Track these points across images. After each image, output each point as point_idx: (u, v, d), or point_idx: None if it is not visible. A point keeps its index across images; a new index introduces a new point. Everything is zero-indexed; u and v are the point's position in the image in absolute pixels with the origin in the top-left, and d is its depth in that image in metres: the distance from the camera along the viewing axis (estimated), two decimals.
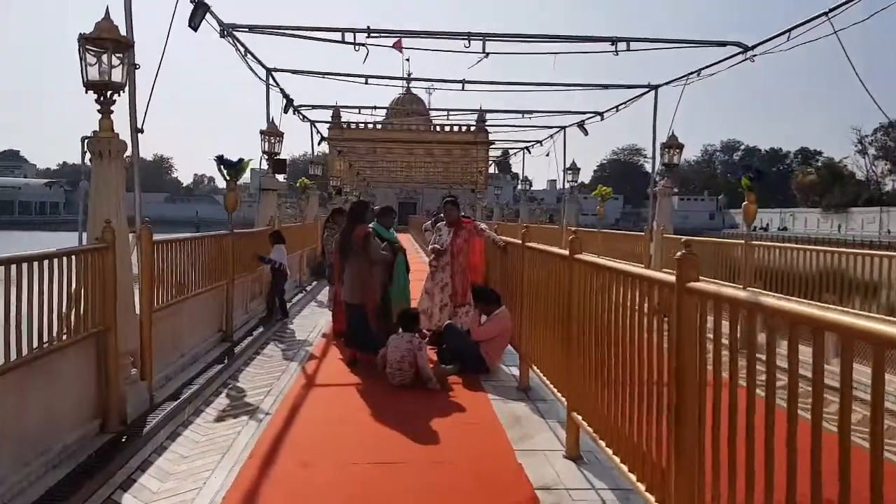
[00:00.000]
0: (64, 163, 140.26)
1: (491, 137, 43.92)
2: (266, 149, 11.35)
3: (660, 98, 13.38)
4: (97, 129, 5.31)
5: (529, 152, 28.18)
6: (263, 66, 11.80)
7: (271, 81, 11.89)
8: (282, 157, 11.69)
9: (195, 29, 7.78)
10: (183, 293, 6.94)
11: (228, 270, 8.43)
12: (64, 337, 4.59)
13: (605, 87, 14.92)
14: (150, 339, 5.82)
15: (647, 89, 13.81)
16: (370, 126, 59.38)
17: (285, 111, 13.48)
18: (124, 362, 5.38)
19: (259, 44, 14.84)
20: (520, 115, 17.83)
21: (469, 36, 10.05)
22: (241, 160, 8.27)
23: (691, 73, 11.82)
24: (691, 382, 2.84)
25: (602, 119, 16.79)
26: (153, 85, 6.38)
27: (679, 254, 2.89)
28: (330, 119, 21.09)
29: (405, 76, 15.33)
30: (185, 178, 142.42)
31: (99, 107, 5.32)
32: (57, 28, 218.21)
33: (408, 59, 56.14)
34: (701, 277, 2.89)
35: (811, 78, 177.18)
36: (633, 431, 3.44)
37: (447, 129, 60.35)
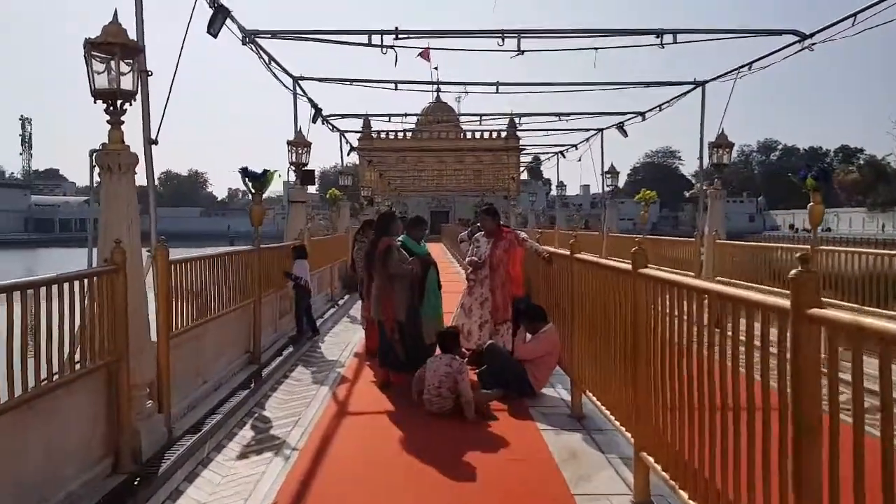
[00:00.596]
0: None
1: (524, 142, 43.31)
2: (294, 160, 10.93)
3: (700, 96, 12.54)
4: (106, 142, 4.90)
5: (564, 156, 27.54)
6: (289, 74, 11.40)
7: (298, 90, 11.49)
8: (310, 167, 11.27)
9: (214, 36, 7.36)
10: (205, 315, 6.49)
11: (255, 288, 7.98)
12: (68, 371, 4.15)
13: (648, 84, 14.22)
14: (167, 367, 5.36)
15: (693, 85, 13.05)
16: (400, 135, 59.28)
17: (314, 121, 13.08)
18: (138, 394, 4.92)
19: (285, 49, 14.40)
20: (555, 118, 17.16)
21: (503, 33, 9.46)
22: (265, 171, 7.84)
23: (743, 65, 11.02)
24: (811, 431, 2.24)
25: (644, 119, 16.08)
26: (168, 94, 5.97)
27: (794, 272, 2.29)
28: (360, 129, 20.66)
29: (435, 81, 14.85)
30: (220, 193, 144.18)
31: (108, 117, 4.92)
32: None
33: (436, 68, 55.87)
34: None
35: (847, 73, 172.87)
36: (727, 486, 2.83)
37: (478, 135, 59.90)
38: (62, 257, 54.17)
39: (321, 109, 13.21)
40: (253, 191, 7.84)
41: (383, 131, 57.44)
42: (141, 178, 5.18)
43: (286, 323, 10.16)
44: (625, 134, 16.16)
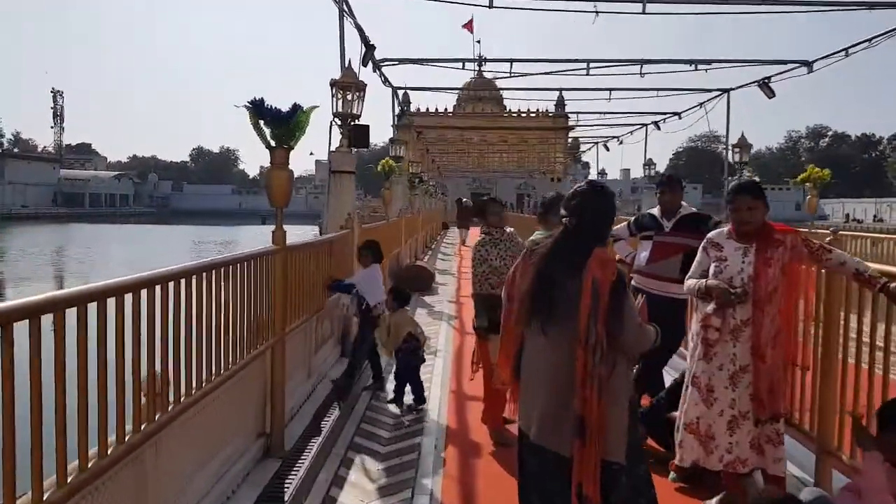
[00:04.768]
0: (134, 156, 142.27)
1: (570, 123, 40.60)
2: (340, 108, 7.30)
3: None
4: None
5: (608, 149, 28.44)
6: None
7: (345, 6, 7.85)
8: (364, 122, 7.63)
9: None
10: (173, 402, 2.94)
11: (274, 325, 4.40)
12: None
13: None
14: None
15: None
16: (441, 111, 55.58)
17: (364, 63, 9.44)
18: None
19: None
20: (605, 99, 15.15)
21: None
22: (296, 109, 4.24)
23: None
24: None
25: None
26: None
27: None
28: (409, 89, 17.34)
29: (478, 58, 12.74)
30: (252, 170, 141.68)
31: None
32: (132, 27, 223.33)
33: (479, 41, 52.09)
34: None
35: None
36: None
37: (523, 114, 55.95)
38: (98, 233, 52.04)
39: (374, 47, 9.56)
40: (273, 142, 4.26)
41: (418, 112, 53.62)
42: None
43: (326, 354, 6.61)
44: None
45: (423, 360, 5.87)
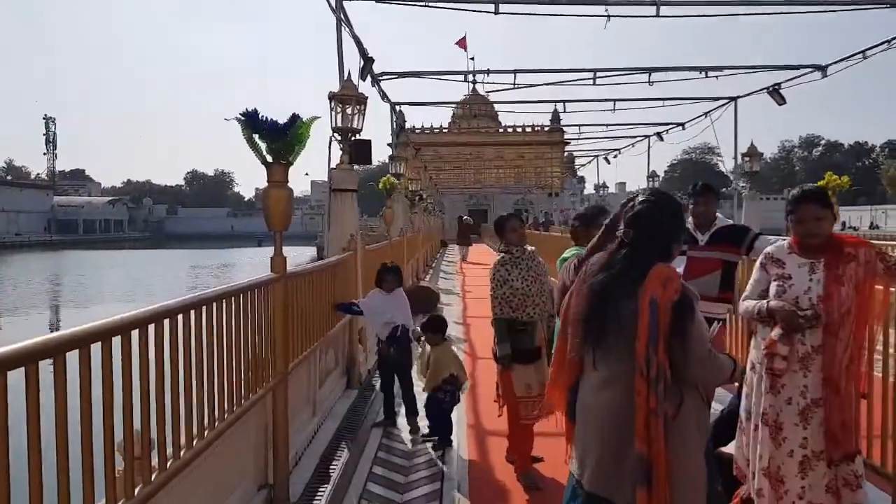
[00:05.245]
0: (128, 180, 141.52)
1: (567, 139, 40.70)
2: (340, 123, 6.86)
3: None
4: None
5: (608, 162, 27.96)
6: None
7: (342, 16, 7.44)
8: (364, 137, 7.19)
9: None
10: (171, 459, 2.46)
11: (275, 363, 3.91)
12: None
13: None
14: None
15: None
16: (436, 130, 55.51)
17: (362, 77, 9.03)
18: None
19: None
20: (609, 110, 14.73)
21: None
22: (295, 119, 3.79)
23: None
24: None
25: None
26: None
27: None
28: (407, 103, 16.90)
29: (482, 71, 12.27)
30: (248, 192, 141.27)
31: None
32: (124, 50, 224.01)
33: (472, 58, 51.99)
34: None
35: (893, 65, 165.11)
36: None
37: (518, 128, 55.83)
38: (92, 260, 51.22)
39: (372, 59, 9.15)
40: (270, 157, 3.81)
41: (414, 130, 53.50)
42: None
43: (330, 390, 6.11)
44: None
45: (459, 402, 5.35)
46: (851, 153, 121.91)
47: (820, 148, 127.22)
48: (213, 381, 2.99)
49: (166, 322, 2.50)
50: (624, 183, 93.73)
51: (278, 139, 3.81)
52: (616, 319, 2.32)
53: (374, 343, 5.87)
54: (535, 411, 4.36)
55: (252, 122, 3.80)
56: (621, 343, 2.29)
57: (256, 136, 3.84)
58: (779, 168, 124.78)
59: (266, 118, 3.82)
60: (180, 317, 2.66)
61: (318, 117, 3.98)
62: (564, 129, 37.85)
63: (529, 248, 4.72)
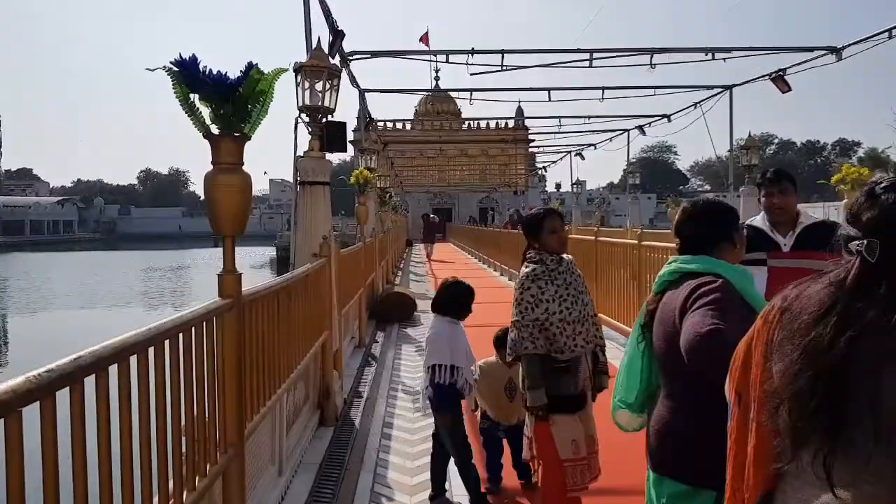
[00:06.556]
0: (78, 180, 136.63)
1: (531, 136, 40.03)
2: (308, 101, 5.58)
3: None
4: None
5: (583, 158, 27.16)
6: None
7: None
8: (337, 119, 5.91)
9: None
10: None
11: (226, 432, 2.66)
12: None
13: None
14: None
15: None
16: (399, 126, 54.28)
17: (331, 54, 7.77)
18: None
19: None
20: (598, 99, 13.78)
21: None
22: (250, 68, 2.56)
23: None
24: None
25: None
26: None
27: None
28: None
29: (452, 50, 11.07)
30: (203, 192, 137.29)
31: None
32: (69, 46, 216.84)
33: (435, 55, 50.69)
34: None
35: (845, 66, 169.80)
36: None
37: (483, 126, 55.04)
38: (39, 262, 48.35)
39: (343, 33, 7.88)
40: (215, 126, 2.56)
41: (380, 120, 52.18)
42: None
43: (297, 435, 4.83)
44: (643, 133, 10.98)
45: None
46: (804, 151, 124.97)
47: (773, 146, 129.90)
48: (122, 483, 1.74)
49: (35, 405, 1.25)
50: (584, 181, 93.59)
51: (227, 99, 2.56)
52: (870, 401, 1.15)
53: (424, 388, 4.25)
54: (587, 478, 3.22)
55: (189, 76, 2.55)
56: (879, 446, 1.13)
57: (196, 98, 2.59)
58: (735, 166, 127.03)
59: (209, 70, 2.58)
60: (68, 390, 1.41)
61: (286, 69, 2.74)
62: (528, 127, 37.21)
63: (567, 257, 3.54)
